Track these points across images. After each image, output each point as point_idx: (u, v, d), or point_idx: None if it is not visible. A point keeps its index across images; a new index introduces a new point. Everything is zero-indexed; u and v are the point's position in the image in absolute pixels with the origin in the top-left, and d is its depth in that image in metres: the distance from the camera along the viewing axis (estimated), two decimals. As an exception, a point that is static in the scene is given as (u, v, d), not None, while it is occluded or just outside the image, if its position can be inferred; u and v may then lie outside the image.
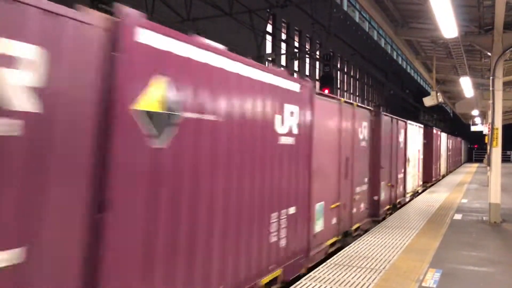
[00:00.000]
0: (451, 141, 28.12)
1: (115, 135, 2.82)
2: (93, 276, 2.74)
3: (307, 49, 23.87)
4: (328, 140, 6.94)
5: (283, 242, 5.23)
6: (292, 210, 5.47)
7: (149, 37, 3.10)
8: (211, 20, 14.65)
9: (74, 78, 2.61)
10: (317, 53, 23.80)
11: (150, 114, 3.10)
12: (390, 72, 37.18)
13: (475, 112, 26.01)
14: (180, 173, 3.46)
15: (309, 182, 5.99)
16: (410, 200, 13.32)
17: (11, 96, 2.25)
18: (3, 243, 2.25)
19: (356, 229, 8.34)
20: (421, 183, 16.05)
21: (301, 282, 5.24)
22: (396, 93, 38.56)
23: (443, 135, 23.16)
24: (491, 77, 9.88)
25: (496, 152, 9.88)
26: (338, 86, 27.72)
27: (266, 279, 4.85)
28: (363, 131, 8.82)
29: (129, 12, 2.96)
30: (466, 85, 16.34)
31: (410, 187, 13.79)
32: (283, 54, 20.86)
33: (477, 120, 31.96)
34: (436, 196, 14.11)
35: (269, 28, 19.99)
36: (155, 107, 3.15)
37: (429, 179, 18.46)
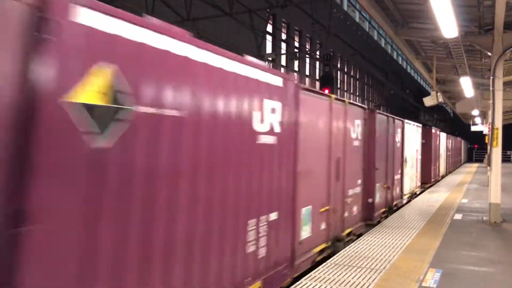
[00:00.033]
0: (450, 141, 27.89)
1: (39, 131, 2.33)
2: None
3: (307, 49, 23.87)
4: (317, 139, 6.50)
5: (262, 252, 4.75)
6: (273, 215, 4.97)
7: (90, 17, 2.62)
8: (211, 20, 14.65)
9: None
10: (317, 53, 23.80)
11: (89, 107, 2.62)
12: (390, 72, 37.17)
13: (475, 112, 26.01)
14: (130, 177, 2.92)
15: (294, 184, 5.52)
16: (407, 202, 12.95)
17: None
18: None
19: (349, 234, 7.91)
20: (419, 184, 15.72)
21: (301, 282, 5.24)
22: (396, 93, 38.55)
23: (442, 135, 22.91)
24: (491, 77, 9.88)
25: (496, 152, 9.88)
26: (338, 86, 27.72)
27: None
28: (356, 130, 8.36)
29: None
30: (466, 85, 16.34)
31: (407, 189, 13.44)
32: (283, 54, 20.86)
33: (477, 120, 31.96)
34: (436, 196, 14.11)
35: (269, 28, 19.99)
36: (96, 99, 2.68)
37: (427, 180, 18.16)
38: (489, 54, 10.20)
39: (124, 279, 2.89)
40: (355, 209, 8.31)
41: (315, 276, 5.49)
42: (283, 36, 21.20)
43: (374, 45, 35.11)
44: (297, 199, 5.60)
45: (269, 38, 20.15)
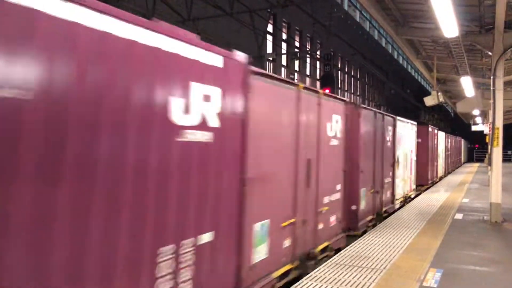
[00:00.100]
0: (449, 140, 27.36)
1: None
2: None
3: (308, 49, 23.86)
4: (278, 137, 5.33)
5: None
6: (206, 237, 3.86)
7: None
8: (212, 20, 14.65)
9: None
10: (318, 53, 23.80)
11: None
12: (391, 72, 37.15)
13: (476, 112, 25.98)
14: None
15: (241, 194, 4.41)
16: (400, 208, 11.81)
17: None
18: None
19: (325, 249, 6.68)
20: (414, 187, 14.55)
21: (301, 282, 5.24)
22: (397, 92, 38.54)
23: (441, 134, 22.12)
24: (492, 77, 9.87)
25: (497, 152, 9.88)
26: (339, 86, 27.71)
27: None
28: (335, 127, 7.10)
29: None
30: (467, 85, 16.33)
31: (400, 193, 12.22)
32: (284, 54, 20.85)
33: (478, 119, 31.91)
34: (436, 196, 14.10)
35: (270, 28, 19.98)
36: None
37: (424, 181, 17.18)
38: (490, 53, 10.19)
39: None
40: (333, 219, 7.07)
41: (316, 276, 5.49)
42: (284, 36, 21.20)
43: (374, 44, 35.09)
44: (246, 213, 4.49)
45: (269, 38, 20.14)
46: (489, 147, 10.57)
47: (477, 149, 54.74)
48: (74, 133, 2.61)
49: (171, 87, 3.40)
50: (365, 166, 8.85)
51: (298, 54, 22.53)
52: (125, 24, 2.96)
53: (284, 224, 5.45)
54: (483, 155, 42.01)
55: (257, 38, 17.03)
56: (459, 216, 10.29)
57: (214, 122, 3.95)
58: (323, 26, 17.56)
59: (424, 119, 42.24)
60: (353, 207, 8.29)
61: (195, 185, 3.72)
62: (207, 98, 3.85)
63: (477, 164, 39.34)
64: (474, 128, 34.49)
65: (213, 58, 3.95)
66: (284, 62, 21.10)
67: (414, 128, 14.44)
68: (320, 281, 5.28)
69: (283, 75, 20.00)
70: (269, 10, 17.55)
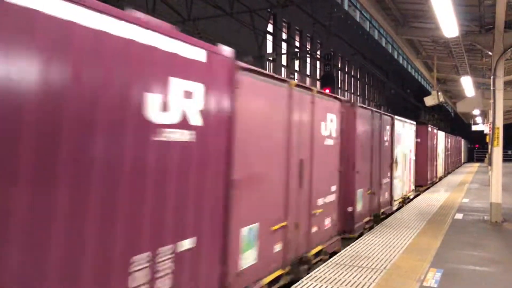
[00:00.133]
0: (449, 140, 27.27)
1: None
2: None
3: (308, 49, 23.87)
4: (268, 137, 5.10)
5: None
6: (187, 243, 3.63)
7: None
8: (212, 20, 14.65)
9: None
10: (318, 52, 23.80)
11: None
12: (391, 72, 37.15)
13: (476, 112, 25.98)
14: None
15: (227, 197, 4.18)
16: (398, 209, 11.62)
17: None
18: None
19: (319, 253, 6.48)
20: (413, 187, 14.25)
21: (302, 282, 5.24)
22: (397, 92, 38.54)
23: (440, 134, 21.99)
24: (492, 77, 9.87)
25: (497, 152, 9.87)
26: (339, 86, 27.72)
27: None
28: (329, 126, 6.90)
29: None
30: (467, 85, 16.33)
31: (398, 193, 11.96)
32: (284, 54, 20.85)
33: (478, 119, 31.92)
34: (436, 196, 14.10)
35: (270, 28, 19.98)
36: None
37: (423, 182, 16.95)
38: (490, 53, 10.20)
39: None
40: (327, 221, 6.85)
41: (316, 276, 5.49)
42: (284, 36, 21.20)
43: (374, 44, 35.10)
44: (233, 216, 4.28)
45: (269, 38, 20.14)
46: (489, 147, 10.57)
47: (477, 149, 54.76)
48: (31, 132, 2.38)
49: (147, 82, 3.15)
50: (361, 167, 8.61)
51: (298, 54, 22.54)
52: (94, 14, 2.70)
53: (275, 227, 5.22)
54: (483, 155, 42.02)
55: (257, 38, 17.03)
56: (459, 216, 10.29)
57: (196, 120, 3.70)
58: (323, 26, 17.55)
59: (424, 119, 42.24)
60: (349, 209, 8.08)
61: (175, 187, 3.47)
62: (188, 94, 3.60)
63: (477, 164, 39.34)
64: (474, 128, 34.50)
65: (195, 52, 3.70)
66: (284, 62, 21.10)
67: (413, 128, 14.25)
68: (320, 281, 5.28)
69: (283, 75, 20.01)
70: (269, 10, 17.55)
